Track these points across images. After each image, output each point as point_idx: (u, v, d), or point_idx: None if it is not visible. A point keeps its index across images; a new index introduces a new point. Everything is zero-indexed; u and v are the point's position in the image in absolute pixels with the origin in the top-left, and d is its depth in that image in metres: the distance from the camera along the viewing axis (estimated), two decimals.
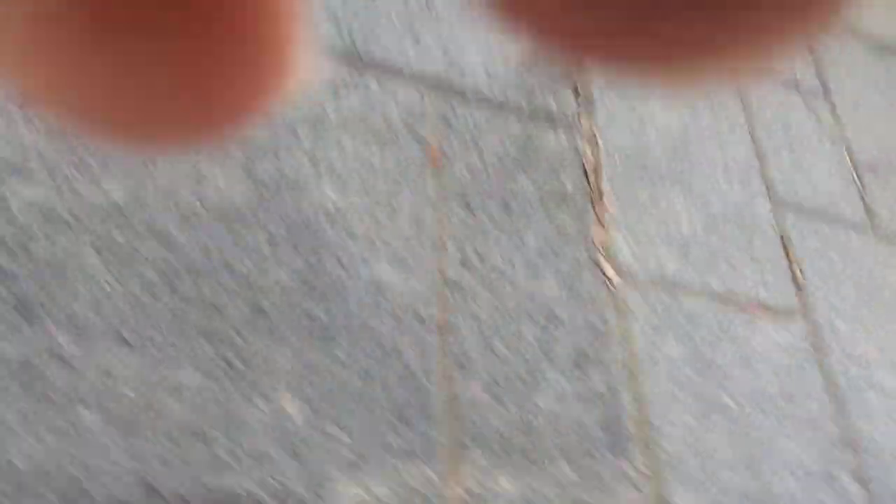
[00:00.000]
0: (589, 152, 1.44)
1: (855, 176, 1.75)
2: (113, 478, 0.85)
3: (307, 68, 0.11)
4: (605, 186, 1.42)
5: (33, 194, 0.97)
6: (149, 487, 0.86)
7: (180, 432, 0.90)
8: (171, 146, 0.12)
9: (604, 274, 1.31)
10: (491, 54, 1.45)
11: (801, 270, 1.51)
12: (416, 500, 0.97)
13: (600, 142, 1.47)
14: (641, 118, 1.55)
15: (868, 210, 1.70)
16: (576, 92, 1.52)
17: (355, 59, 1.30)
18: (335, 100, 1.24)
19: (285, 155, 1.15)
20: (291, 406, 0.97)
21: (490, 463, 1.04)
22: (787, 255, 1.52)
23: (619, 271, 1.33)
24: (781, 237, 1.53)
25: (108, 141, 0.12)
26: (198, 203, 1.05)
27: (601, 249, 1.33)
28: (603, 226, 1.37)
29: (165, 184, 1.05)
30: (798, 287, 1.48)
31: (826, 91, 1.85)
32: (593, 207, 1.38)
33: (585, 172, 1.41)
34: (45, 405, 0.85)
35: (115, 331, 0.92)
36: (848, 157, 1.77)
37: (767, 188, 1.60)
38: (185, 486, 0.88)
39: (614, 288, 1.30)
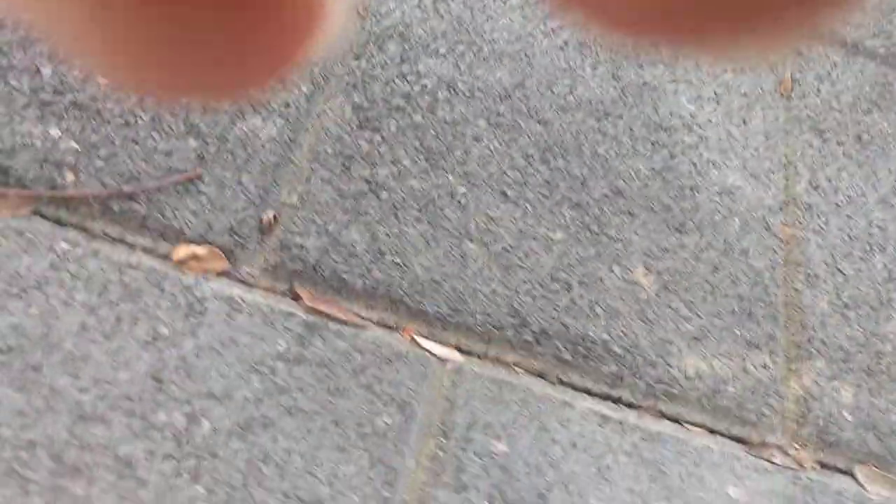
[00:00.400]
0: None
1: None
2: (489, 300, 0.96)
3: (338, 21, 0.12)
4: None
5: (441, 70, 1.12)
6: (518, 315, 0.96)
7: (547, 277, 1.00)
8: (220, 98, 0.13)
9: None
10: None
11: None
12: (754, 385, 0.99)
13: None
14: None
15: None
16: None
17: None
18: None
19: (647, 65, 1.22)
20: (644, 278, 1.03)
21: (832, 372, 1.02)
22: None
23: None
24: None
25: (169, 97, 0.13)
26: (571, 95, 1.16)
27: None
28: None
29: (546, 76, 1.16)
30: None
31: None
32: None
33: None
34: (440, 232, 0.99)
35: (498, 186, 1.05)
36: None
37: None
38: (547, 322, 0.97)
39: None
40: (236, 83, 0.13)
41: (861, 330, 1.07)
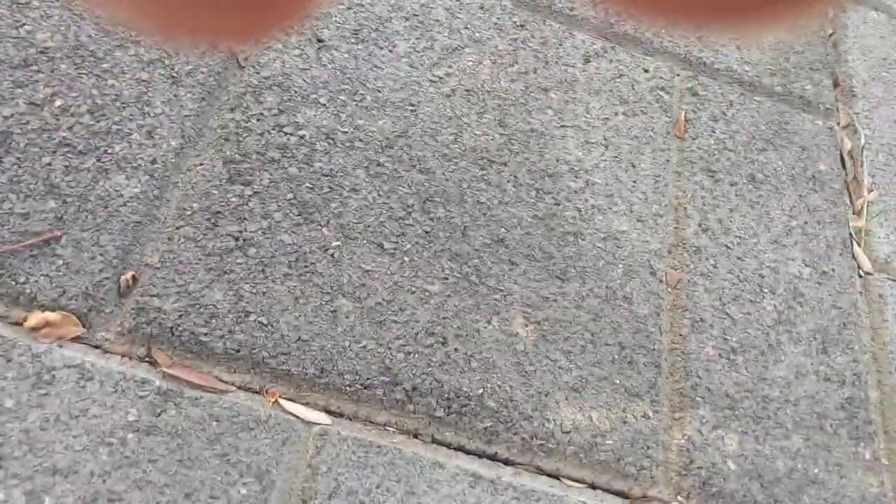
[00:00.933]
0: (847, 141, 1.36)
1: None
2: (360, 358, 0.94)
3: None
4: (865, 177, 1.33)
5: (321, 120, 1.11)
6: (389, 372, 0.94)
7: (422, 331, 0.97)
8: (229, 42, 0.14)
9: (856, 260, 1.22)
10: (745, 36, 1.43)
11: None
12: (635, 437, 0.97)
13: (861, 131, 1.38)
14: None
15: None
16: (834, 82, 1.45)
17: (606, 31, 1.34)
18: (585, 66, 1.29)
19: (536, 111, 1.21)
20: (522, 329, 1.01)
21: (716, 420, 1.01)
22: None
23: (874, 261, 1.23)
24: None
25: (184, 40, 0.14)
26: (455, 144, 1.14)
27: (855, 236, 1.25)
28: (859, 214, 1.28)
29: (430, 124, 1.15)
30: None
31: None
32: (850, 195, 1.30)
33: (842, 160, 1.34)
34: (310, 289, 0.97)
35: (374, 238, 1.03)
36: None
37: None
38: (420, 378, 0.94)
39: (867, 275, 1.21)
40: (253, 23, 0.13)
41: (748, 375, 1.06)
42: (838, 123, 1.38)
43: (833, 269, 1.19)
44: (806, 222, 1.23)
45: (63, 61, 1.05)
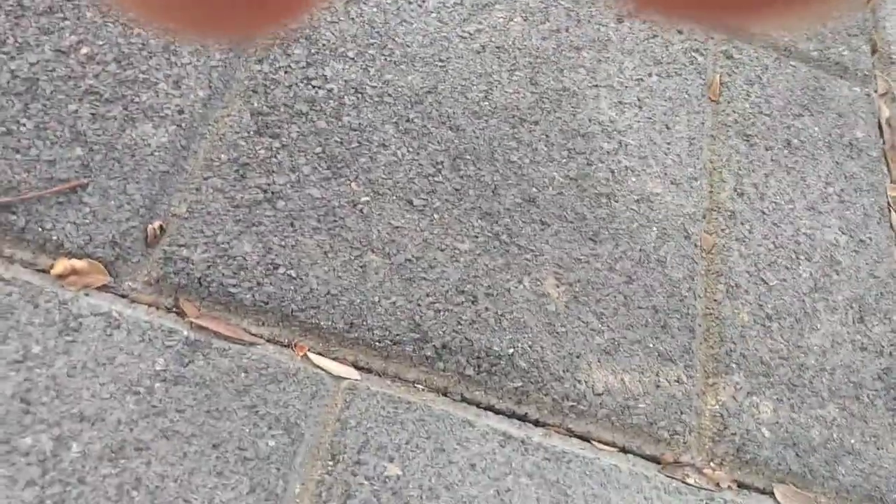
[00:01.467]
0: (885, 108, 1.33)
1: None
2: (389, 314, 0.92)
3: None
4: None
5: (349, 74, 1.08)
6: (419, 329, 0.92)
7: (451, 289, 0.95)
8: (236, 36, 0.14)
9: (893, 230, 1.19)
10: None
11: None
12: (668, 401, 0.95)
13: None
14: None
15: None
16: (872, 48, 1.41)
17: None
18: (618, 26, 1.26)
19: (568, 70, 1.19)
20: (554, 290, 0.99)
21: (751, 386, 0.99)
22: None
23: None
24: None
25: (189, 33, 0.14)
26: (486, 101, 1.12)
27: (893, 205, 1.22)
28: None
29: (460, 81, 1.12)
30: None
31: None
32: (887, 163, 1.27)
33: (880, 127, 1.30)
34: (340, 243, 0.95)
35: (404, 194, 1.00)
36: None
37: None
38: (450, 336, 0.93)
39: None
40: (263, 17, 0.13)
41: (783, 342, 1.03)
42: (876, 91, 1.34)
43: (870, 238, 1.16)
44: (842, 189, 1.20)
45: (89, 9, 1.03)
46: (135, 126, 0.96)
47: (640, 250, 1.05)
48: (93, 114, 0.95)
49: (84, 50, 1.00)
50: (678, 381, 0.96)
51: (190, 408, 0.81)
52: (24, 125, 0.93)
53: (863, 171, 1.23)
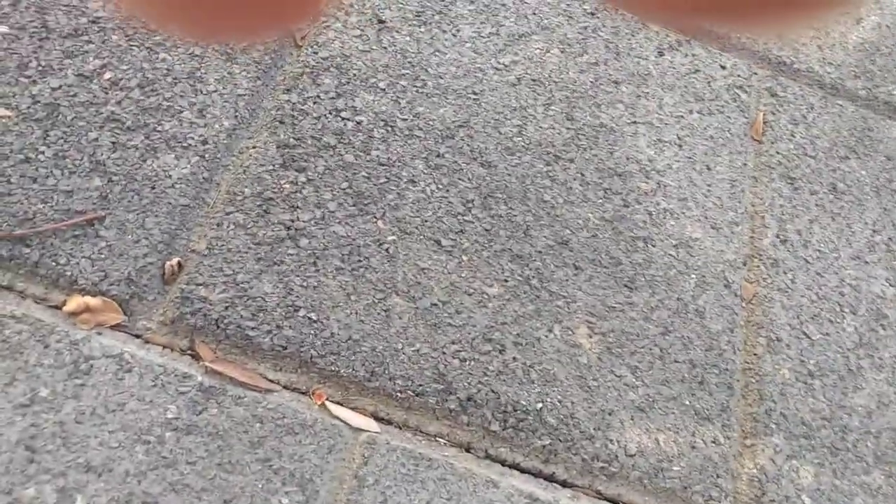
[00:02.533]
0: None
1: None
2: (412, 362, 0.88)
3: None
4: None
5: (379, 106, 1.04)
6: (443, 379, 0.88)
7: (479, 336, 0.91)
8: (247, 37, 0.14)
9: None
10: (827, 36, 1.34)
11: None
12: (704, 464, 0.90)
13: None
14: None
15: None
16: None
17: (683, 24, 1.26)
18: (659, 59, 1.21)
19: (606, 105, 1.14)
20: (586, 340, 0.94)
21: (791, 449, 0.93)
22: None
23: None
24: None
25: (201, 37, 0.13)
26: (520, 136, 1.07)
27: None
28: None
29: (493, 115, 1.08)
30: None
31: None
32: None
33: None
34: (363, 285, 0.91)
35: (432, 234, 0.96)
36: None
37: None
38: (476, 388, 0.88)
39: None
40: (276, 17, 0.13)
41: (826, 402, 0.98)
42: None
43: None
44: (891, 238, 1.14)
45: (114, 32, 1.00)
46: (156, 156, 0.93)
47: (678, 299, 1.00)
48: (113, 142, 0.92)
49: (107, 75, 0.97)
50: (715, 442, 0.91)
51: (201, 459, 0.78)
52: (43, 153, 0.90)
53: None
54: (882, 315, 1.06)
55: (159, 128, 0.95)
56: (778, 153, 1.18)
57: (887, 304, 1.07)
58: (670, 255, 1.03)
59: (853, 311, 1.06)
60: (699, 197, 1.09)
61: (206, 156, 0.94)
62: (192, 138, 0.95)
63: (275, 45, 1.06)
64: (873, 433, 0.97)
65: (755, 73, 1.26)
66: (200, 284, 0.87)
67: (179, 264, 0.88)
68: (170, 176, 0.92)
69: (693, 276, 1.02)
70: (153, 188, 0.91)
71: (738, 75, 1.24)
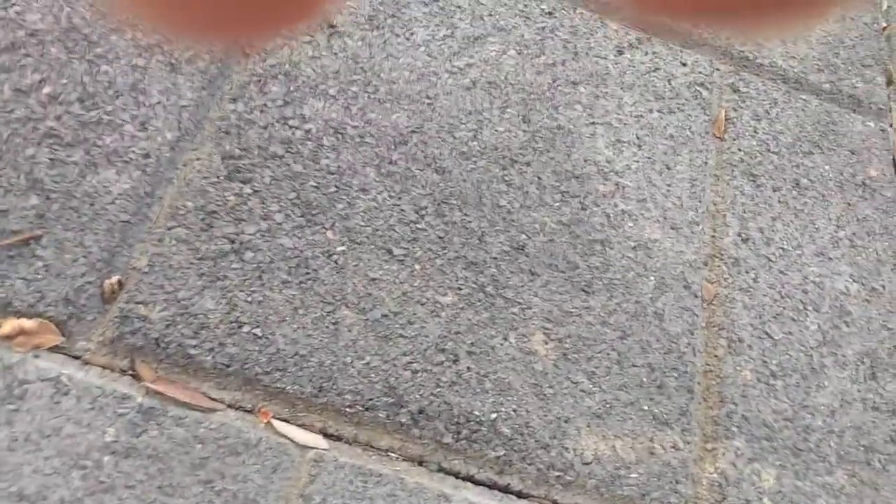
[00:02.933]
0: None
1: None
2: (362, 376, 0.86)
3: None
4: None
5: (329, 113, 1.02)
6: (394, 392, 0.85)
7: (431, 347, 0.89)
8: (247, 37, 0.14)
9: None
10: (791, 31, 1.32)
11: None
12: (662, 470, 0.88)
13: None
14: None
15: None
16: (888, 79, 1.33)
17: (640, 22, 1.24)
18: (618, 58, 1.20)
19: (563, 106, 1.12)
20: (542, 346, 0.92)
21: (752, 451, 0.92)
22: None
23: None
24: None
25: (204, 37, 0.13)
26: (475, 141, 1.05)
27: None
28: None
29: (448, 119, 1.06)
30: None
31: None
32: None
33: (895, 164, 1.23)
34: (312, 297, 0.89)
35: (383, 243, 0.94)
36: None
37: None
38: (427, 400, 0.86)
39: None
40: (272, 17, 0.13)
41: (788, 402, 0.96)
42: (891, 125, 1.27)
43: (884, 286, 1.08)
44: (854, 233, 1.13)
45: (54, 45, 0.98)
46: (96, 172, 0.90)
47: (636, 302, 0.98)
48: (51, 159, 0.90)
49: (46, 89, 0.95)
50: (674, 448, 0.89)
51: (140, 483, 0.75)
52: None
53: (876, 213, 1.15)
54: (846, 312, 1.05)
55: (100, 142, 0.92)
56: (740, 150, 1.16)
57: (851, 301, 1.06)
58: (628, 257, 1.01)
59: (816, 309, 1.04)
60: (658, 197, 1.07)
61: (148, 170, 0.92)
62: (134, 152, 0.93)
63: (221, 54, 1.04)
64: (836, 432, 0.95)
65: (717, 70, 1.24)
66: (140, 303, 0.84)
67: (120, 283, 0.85)
68: (110, 192, 0.89)
69: (652, 278, 1.00)
70: (93, 205, 0.88)
71: (700, 72, 1.23)
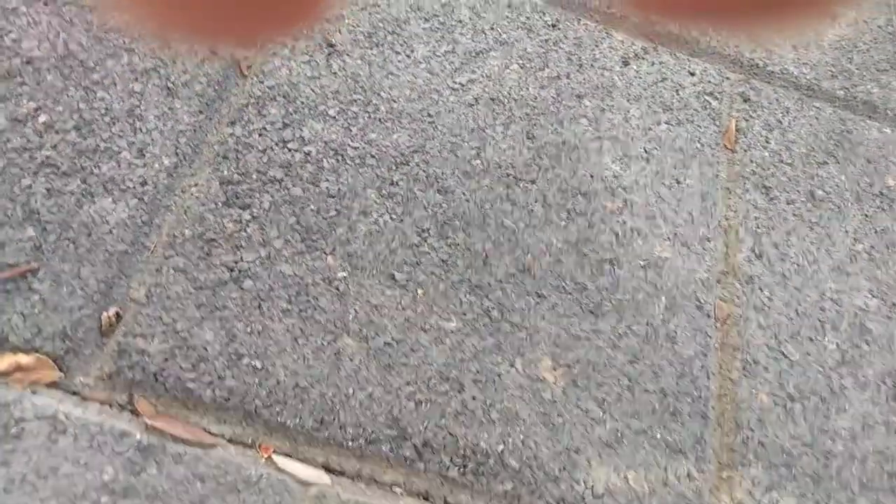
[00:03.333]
0: None
1: None
2: (364, 408, 0.84)
3: None
4: None
5: (329, 134, 1.00)
6: (397, 425, 0.83)
7: (435, 376, 0.87)
8: (248, 42, 0.14)
9: None
10: (803, 34, 1.29)
11: None
12: (676, 501, 0.85)
13: None
14: None
15: None
16: None
17: (647, 31, 1.21)
18: (624, 69, 1.17)
19: (568, 121, 1.10)
20: (549, 373, 0.90)
21: (770, 480, 0.89)
22: None
23: None
24: None
25: (204, 42, 0.13)
26: (478, 159, 1.03)
27: None
28: None
29: (450, 137, 1.04)
30: None
31: None
32: None
33: None
34: (312, 326, 0.87)
35: (385, 268, 0.92)
36: None
37: None
38: (432, 432, 0.84)
39: None
40: (273, 21, 0.13)
41: (807, 427, 0.93)
42: None
43: None
44: (873, 246, 1.09)
45: (50, 72, 0.97)
46: (93, 201, 0.89)
47: (648, 324, 0.95)
48: (48, 189, 0.89)
49: (42, 118, 0.93)
50: (689, 477, 0.86)
51: None
52: None
53: (893, 222, 1.12)
54: (865, 330, 1.01)
55: (97, 171, 0.91)
56: (752, 161, 1.13)
57: (870, 318, 1.02)
58: (638, 276, 0.98)
59: (834, 328, 1.01)
60: (668, 213, 1.05)
61: (146, 198, 0.90)
62: (131, 180, 0.91)
63: (218, 77, 1.02)
64: (858, 458, 0.92)
65: (727, 78, 1.21)
66: (139, 335, 0.83)
67: (118, 314, 0.84)
68: (107, 221, 0.88)
69: (663, 298, 0.98)
70: (90, 235, 0.87)
71: (709, 81, 1.20)
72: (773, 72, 1.24)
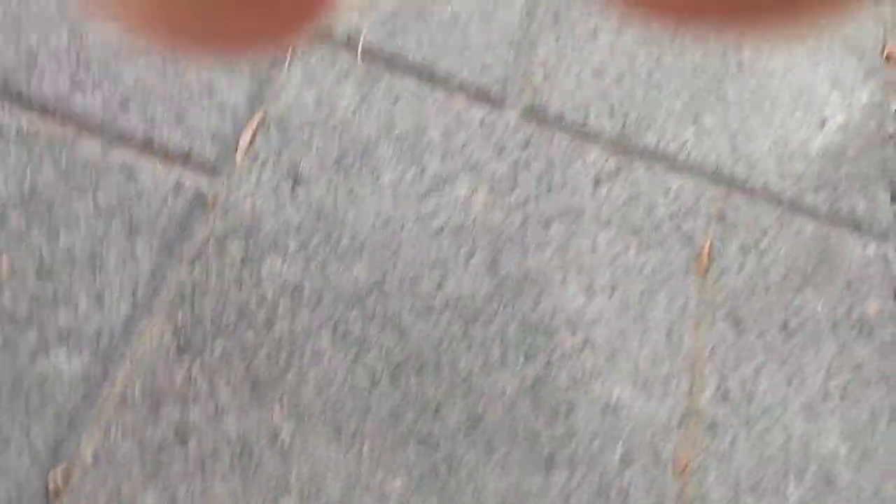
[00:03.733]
0: None
1: None
2: None
3: None
4: None
5: (288, 272, 1.01)
6: None
7: None
8: (238, 52, 0.14)
9: None
10: (787, 144, 1.26)
11: None
12: None
13: None
14: None
15: None
16: (893, 195, 1.26)
17: (623, 146, 1.20)
18: (595, 190, 1.15)
19: (534, 249, 1.08)
20: None
21: None
22: None
23: None
24: None
25: (191, 52, 0.13)
26: (438, 293, 1.03)
27: None
28: None
29: (411, 270, 1.04)
30: None
31: None
32: None
33: None
34: (252, 488, 0.87)
35: (332, 419, 0.92)
36: None
37: None
38: None
39: None
40: (269, 32, 0.13)
41: None
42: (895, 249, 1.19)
43: (878, 448, 1.01)
44: (848, 382, 1.06)
45: (14, 211, 0.99)
46: (48, 354, 0.91)
47: (601, 476, 0.94)
48: (4, 340, 0.91)
49: (5, 264, 0.96)
50: None
51: None
52: None
53: (873, 357, 1.08)
54: (830, 480, 0.98)
55: (53, 320, 0.93)
56: (724, 288, 1.11)
57: (839, 466, 0.99)
58: (594, 423, 0.97)
59: (799, 476, 0.98)
60: (631, 350, 1.03)
61: (100, 348, 0.92)
62: (87, 330, 0.93)
63: (183, 211, 1.03)
64: None
65: (703, 194, 1.19)
66: (83, 501, 0.84)
67: (67, 471, 0.85)
68: (61, 377, 0.90)
69: (619, 447, 0.96)
70: (42, 391, 0.89)
71: (684, 199, 1.17)
72: (753, 188, 1.21)
